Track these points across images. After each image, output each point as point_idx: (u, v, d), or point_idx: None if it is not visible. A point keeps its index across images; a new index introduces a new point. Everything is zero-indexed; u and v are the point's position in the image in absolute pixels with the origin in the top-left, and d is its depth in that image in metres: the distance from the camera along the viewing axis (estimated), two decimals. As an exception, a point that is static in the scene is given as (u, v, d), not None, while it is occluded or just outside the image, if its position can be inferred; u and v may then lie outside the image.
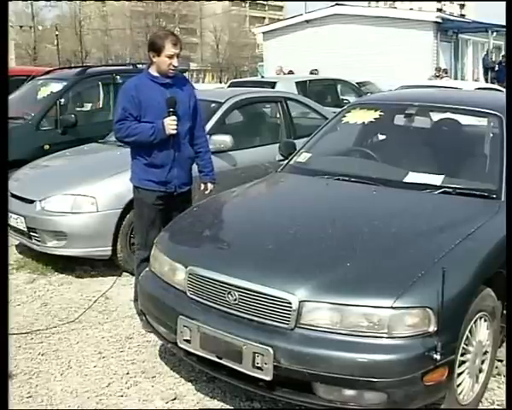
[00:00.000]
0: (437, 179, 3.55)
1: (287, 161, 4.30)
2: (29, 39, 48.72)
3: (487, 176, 3.58)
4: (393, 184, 3.62)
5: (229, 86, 12.04)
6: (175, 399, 3.15)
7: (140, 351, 3.66)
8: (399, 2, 56.14)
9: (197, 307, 2.92)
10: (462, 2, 71.66)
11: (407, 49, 19.59)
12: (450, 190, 3.45)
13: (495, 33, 21.16)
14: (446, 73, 18.57)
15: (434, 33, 20.48)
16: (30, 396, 3.19)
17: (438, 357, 2.48)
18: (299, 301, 2.62)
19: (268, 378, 2.64)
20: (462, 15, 49.23)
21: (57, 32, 45.53)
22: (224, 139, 5.32)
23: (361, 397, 2.57)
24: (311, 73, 17.22)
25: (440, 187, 3.48)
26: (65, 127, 6.94)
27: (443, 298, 2.48)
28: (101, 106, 8.14)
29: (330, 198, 3.68)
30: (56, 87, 7.35)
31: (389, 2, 58.30)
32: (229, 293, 2.79)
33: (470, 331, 2.82)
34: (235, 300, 2.77)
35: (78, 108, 7.76)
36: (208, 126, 5.37)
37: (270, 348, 2.60)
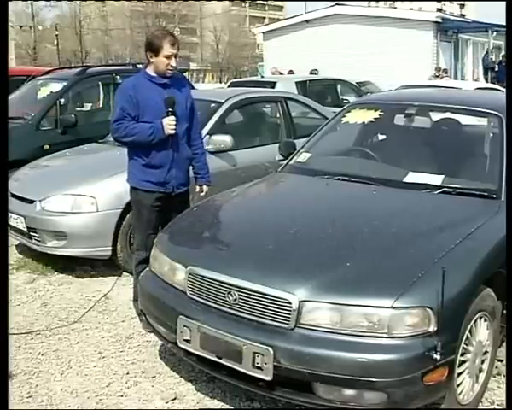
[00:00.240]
0: (437, 179, 3.55)
1: (287, 160, 4.30)
2: (29, 39, 48.72)
3: (487, 176, 3.58)
4: (393, 183, 3.62)
5: (229, 86, 12.05)
6: (175, 399, 3.15)
7: (140, 351, 3.66)
8: (399, 2, 56.13)
9: (197, 307, 2.92)
10: (462, 2, 71.66)
11: (407, 49, 19.59)
12: (450, 189, 3.45)
13: (495, 33, 21.15)
14: (446, 72, 18.57)
15: (434, 33, 20.47)
16: (30, 396, 3.19)
17: (438, 357, 2.48)
18: (299, 301, 2.62)
19: (268, 378, 2.64)
20: (462, 15, 49.23)
21: (57, 32, 45.54)
22: (224, 139, 5.32)
23: (361, 397, 2.57)
24: (311, 73, 17.24)
25: (440, 187, 3.48)
26: (65, 127, 6.94)
27: (443, 298, 2.48)
28: (101, 106, 8.14)
29: (330, 198, 3.68)
30: (56, 87, 7.36)
31: (389, 2, 58.28)
32: (229, 293, 2.79)
33: (470, 331, 2.82)
34: (235, 300, 2.77)
35: (78, 108, 7.77)
36: (208, 126, 5.39)
37: (270, 348, 2.60)
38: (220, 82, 44.69)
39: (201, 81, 50.33)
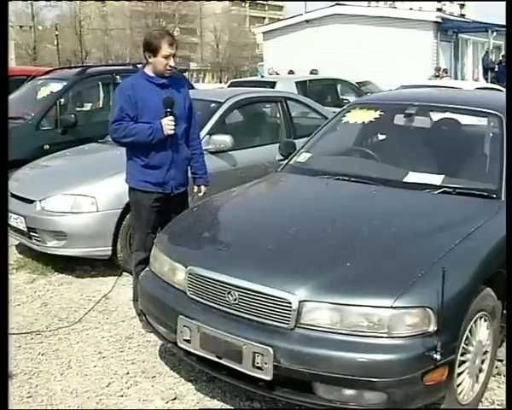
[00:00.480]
0: (437, 179, 3.55)
1: (287, 160, 4.30)
2: (29, 39, 48.73)
3: (487, 176, 3.58)
4: (393, 183, 3.62)
5: (229, 86, 12.05)
6: (175, 399, 3.15)
7: (140, 351, 3.66)
8: (399, 2, 56.14)
9: (197, 306, 2.92)
10: (461, 2, 71.65)
11: (407, 49, 19.59)
12: (450, 189, 3.45)
13: (495, 33, 21.17)
14: (446, 72, 18.58)
15: (434, 33, 20.48)
16: (30, 396, 3.19)
17: (438, 357, 2.48)
18: (299, 301, 2.62)
19: (268, 378, 2.64)
20: (462, 15, 49.24)
21: (57, 32, 45.56)
22: (224, 139, 5.32)
23: (361, 397, 2.57)
24: (311, 73, 17.26)
25: (440, 187, 3.48)
26: (65, 127, 6.94)
27: (443, 298, 2.48)
28: (101, 106, 8.14)
29: (330, 198, 3.68)
30: (56, 87, 7.35)
31: (389, 2, 58.30)
32: (229, 293, 2.79)
33: (470, 331, 2.82)
34: (235, 300, 2.77)
35: (78, 108, 7.77)
36: (208, 126, 5.39)
37: (270, 348, 2.60)
38: (220, 82, 44.73)
39: (201, 81, 50.38)
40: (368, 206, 3.49)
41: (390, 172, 3.77)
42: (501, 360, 3.33)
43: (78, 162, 5.74)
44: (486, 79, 19.92)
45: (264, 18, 66.68)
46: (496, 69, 19.89)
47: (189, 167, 4.02)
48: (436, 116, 4.36)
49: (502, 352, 3.33)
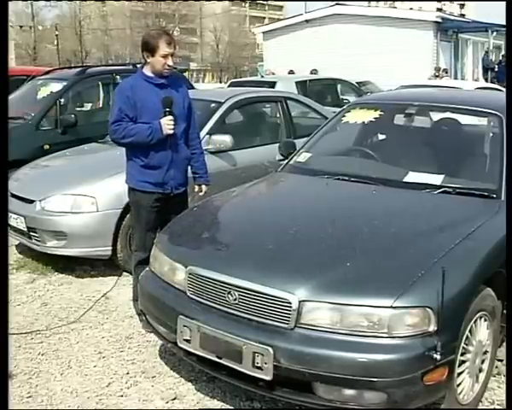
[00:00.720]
0: (437, 179, 3.55)
1: (287, 160, 4.30)
2: (29, 39, 48.74)
3: (487, 175, 3.58)
4: (393, 183, 3.62)
5: (229, 86, 12.05)
6: (175, 399, 3.15)
7: (140, 351, 3.66)
8: (399, 1, 56.13)
9: (197, 306, 2.92)
10: (461, 2, 71.63)
11: (407, 48, 19.60)
12: (450, 189, 3.45)
13: (495, 33, 21.17)
14: (446, 72, 18.58)
15: (434, 33, 20.48)
16: (30, 396, 3.19)
17: (438, 357, 2.48)
18: (299, 301, 2.62)
19: (268, 378, 2.64)
20: (462, 15, 49.24)
21: (57, 32, 45.56)
22: (224, 139, 5.32)
23: (361, 397, 2.57)
24: (311, 73, 17.28)
25: (440, 187, 3.48)
26: (65, 127, 6.94)
27: (443, 298, 2.48)
28: (101, 106, 8.13)
29: (330, 198, 3.68)
30: (56, 87, 7.35)
31: (389, 2, 58.27)
32: (229, 293, 2.79)
33: (470, 331, 2.82)
34: (235, 300, 2.77)
35: (78, 108, 7.76)
36: (208, 126, 5.39)
37: (270, 348, 2.60)
38: (220, 82, 44.73)
39: (201, 81, 50.40)
40: (368, 206, 3.49)
41: (390, 172, 3.77)
42: (501, 360, 3.33)
43: (78, 162, 5.74)
44: (486, 79, 19.92)
45: (264, 18, 66.68)
46: (496, 69, 19.89)
47: (189, 167, 4.02)
48: (436, 116, 4.36)
49: (502, 352, 3.33)
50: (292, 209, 3.55)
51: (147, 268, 3.45)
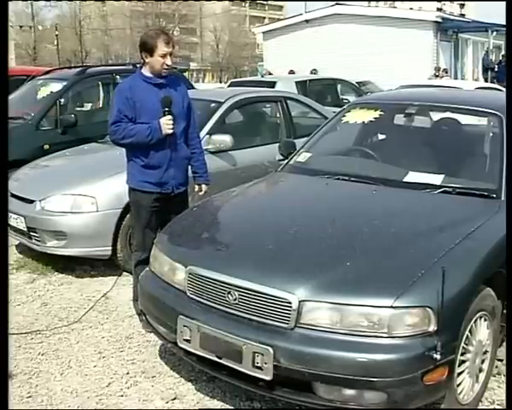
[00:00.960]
0: (437, 179, 3.55)
1: (287, 160, 4.30)
2: (29, 39, 48.73)
3: (487, 175, 3.58)
4: (393, 183, 3.62)
5: (229, 86, 12.05)
6: (175, 399, 3.15)
7: (140, 351, 3.66)
8: (399, 1, 56.14)
9: (197, 306, 2.92)
10: (461, 2, 71.63)
11: (407, 48, 19.60)
12: (450, 189, 3.45)
13: (495, 33, 21.17)
14: (446, 72, 18.58)
15: (434, 33, 20.49)
16: (30, 396, 3.19)
17: (438, 357, 2.48)
18: (299, 301, 2.62)
19: (268, 378, 2.64)
20: (462, 15, 49.26)
21: (57, 32, 45.56)
22: (224, 139, 5.32)
23: (361, 397, 2.57)
24: (311, 73, 17.29)
25: (440, 187, 3.48)
26: (65, 127, 6.94)
27: (443, 298, 2.48)
28: (101, 106, 8.13)
29: (330, 198, 3.68)
30: (56, 87, 7.35)
31: (389, 2, 58.28)
32: (229, 293, 2.79)
33: (470, 331, 2.82)
34: (235, 299, 2.77)
35: (78, 108, 7.76)
36: (208, 126, 5.39)
37: (270, 348, 2.60)
38: (220, 82, 44.73)
39: (201, 81, 50.40)
40: (368, 206, 3.48)
41: (390, 172, 3.77)
42: (501, 360, 3.33)
43: (78, 162, 5.74)
44: (486, 79, 19.92)
45: (264, 18, 66.68)
46: (496, 69, 19.89)
47: (189, 167, 4.02)
48: (436, 116, 4.36)
49: (502, 352, 3.33)
50: (292, 209, 3.55)
51: (147, 268, 3.45)
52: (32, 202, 4.97)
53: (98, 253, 4.85)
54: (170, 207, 3.85)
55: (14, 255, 5.36)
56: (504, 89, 5.99)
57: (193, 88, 8.33)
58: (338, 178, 3.76)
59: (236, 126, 5.99)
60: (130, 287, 4.20)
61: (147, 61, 3.74)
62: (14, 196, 5.05)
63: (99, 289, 4.65)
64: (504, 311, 3.12)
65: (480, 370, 3.00)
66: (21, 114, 6.97)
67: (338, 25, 21.69)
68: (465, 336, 2.77)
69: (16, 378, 3.34)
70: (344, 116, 4.44)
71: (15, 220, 5.00)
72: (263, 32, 25.72)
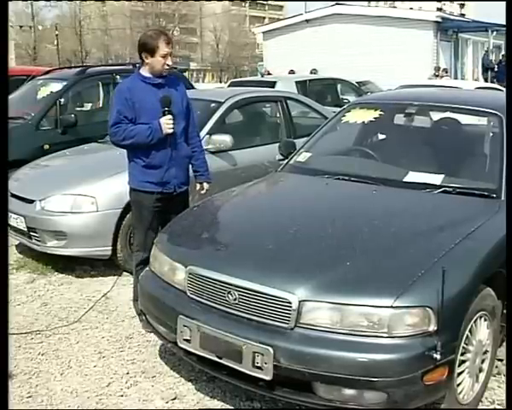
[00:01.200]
0: (437, 179, 3.55)
1: (287, 160, 4.30)
2: (29, 39, 48.73)
3: (487, 175, 3.58)
4: (393, 183, 3.62)
5: (229, 86, 12.05)
6: (175, 399, 3.15)
7: (140, 351, 3.66)
8: (399, 1, 56.14)
9: (197, 306, 2.92)
10: (462, 2, 71.61)
11: (407, 48, 19.61)
12: (450, 189, 3.45)
13: (495, 33, 21.19)
14: (446, 72, 18.58)
15: (434, 33, 20.50)
16: (30, 396, 3.19)
17: (438, 356, 2.48)
18: (299, 301, 2.62)
19: (268, 378, 2.64)
20: (462, 15, 49.27)
21: (57, 32, 45.55)
22: (224, 139, 5.32)
23: (361, 397, 2.57)
24: (311, 73, 17.30)
25: (440, 186, 3.48)
26: (65, 127, 6.94)
27: (443, 297, 2.48)
28: (101, 106, 8.13)
29: (330, 198, 3.68)
30: (56, 87, 7.35)
31: (389, 2, 58.26)
32: (229, 293, 2.79)
33: (470, 331, 2.82)
34: (235, 299, 2.77)
35: (78, 108, 7.76)
36: (208, 126, 5.39)
37: (270, 348, 2.60)
38: (220, 82, 44.75)
39: (201, 81, 50.39)
40: (368, 206, 3.48)
41: (390, 172, 3.77)
42: (501, 360, 3.33)
43: (77, 162, 5.74)
44: (486, 79, 19.92)
45: (264, 18, 66.67)
46: (496, 69, 19.89)
47: (190, 166, 4.02)
48: (436, 116, 4.36)
49: (502, 351, 3.33)
50: (292, 209, 3.55)
51: (147, 268, 3.45)
52: (32, 201, 4.97)
53: (98, 253, 4.85)
54: (171, 206, 3.85)
55: (14, 255, 5.35)
56: (504, 89, 5.99)
57: (193, 88, 8.33)
58: (338, 178, 3.76)
59: (236, 126, 5.99)
60: (131, 287, 4.20)
61: (147, 61, 3.74)
62: (14, 196, 5.05)
63: (99, 289, 4.65)
64: (504, 311, 3.12)
65: (480, 370, 3.00)
66: (21, 114, 6.97)
67: (338, 25, 21.70)
68: (465, 335, 2.77)
69: (16, 378, 3.34)
70: (344, 116, 4.44)
71: (15, 220, 5.00)
72: (263, 32, 25.73)
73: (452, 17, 24.88)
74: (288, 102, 6.35)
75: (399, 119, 4.38)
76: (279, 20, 33.25)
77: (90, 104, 8.29)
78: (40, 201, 4.90)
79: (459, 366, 2.77)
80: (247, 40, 56.63)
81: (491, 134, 3.85)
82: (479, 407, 3.04)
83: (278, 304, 2.66)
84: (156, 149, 3.76)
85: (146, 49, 3.72)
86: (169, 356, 3.53)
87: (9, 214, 4.92)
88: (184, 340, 2.90)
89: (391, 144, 4.38)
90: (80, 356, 3.60)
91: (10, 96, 6.57)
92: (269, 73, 18.34)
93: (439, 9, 44.46)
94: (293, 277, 2.73)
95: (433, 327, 2.53)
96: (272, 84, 10.64)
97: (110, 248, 4.82)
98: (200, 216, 3.67)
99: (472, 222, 3.07)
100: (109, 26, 55.05)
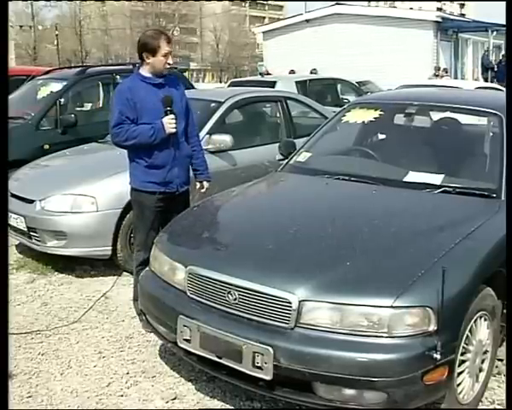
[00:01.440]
0: (437, 179, 3.55)
1: (287, 160, 4.30)
2: (29, 39, 48.73)
3: (487, 175, 3.58)
4: (393, 183, 3.62)
5: (229, 86, 12.04)
6: (175, 399, 3.15)
7: (140, 351, 3.66)
8: (399, 1, 56.14)
9: (197, 306, 2.92)
10: (462, 2, 71.62)
11: (407, 48, 19.62)
12: (450, 189, 3.45)
13: (495, 33, 21.18)
14: (446, 72, 18.58)
15: (434, 33, 20.50)
16: (30, 396, 3.19)
17: (438, 356, 2.48)
18: (299, 301, 2.62)
19: (268, 378, 2.64)
20: (462, 15, 49.32)
21: (57, 32, 45.54)
22: (224, 139, 5.32)
23: (361, 397, 2.57)
24: (311, 73, 17.30)
25: (440, 186, 3.48)
26: (65, 127, 6.94)
27: (443, 297, 2.48)
28: (101, 106, 8.13)
29: (330, 198, 3.68)
30: (56, 87, 7.35)
31: (389, 2, 58.26)
32: (229, 292, 2.79)
33: (470, 331, 2.82)
34: (235, 299, 2.77)
35: (78, 108, 7.76)
36: (208, 126, 5.39)
37: (270, 348, 2.60)
38: (220, 82, 44.76)
39: (201, 81, 50.37)
40: (368, 205, 3.48)
41: (390, 172, 3.77)
42: (501, 360, 3.33)
43: (77, 162, 5.74)
44: (486, 79, 19.92)
45: (264, 18, 66.67)
46: (495, 69, 19.89)
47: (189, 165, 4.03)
48: (436, 116, 4.36)
49: (502, 351, 3.33)
50: (292, 209, 3.55)
51: (147, 268, 3.45)
52: (32, 201, 4.97)
53: (98, 253, 4.85)
54: (173, 206, 3.84)
55: (14, 255, 5.35)
56: (504, 88, 5.99)
57: (193, 88, 8.33)
58: (338, 178, 3.76)
59: (236, 126, 5.99)
60: (131, 287, 4.20)
61: (148, 61, 3.74)
62: (14, 195, 5.05)
63: (99, 289, 4.65)
64: (504, 311, 3.12)
65: (480, 370, 3.00)
66: (21, 114, 6.97)
67: (338, 25, 21.69)
68: (465, 335, 2.77)
69: (16, 378, 3.34)
70: (344, 116, 4.44)
71: (15, 220, 5.00)
72: (263, 32, 25.73)
73: (452, 17, 24.89)
74: (288, 102, 6.35)
75: (399, 119, 4.38)
76: (279, 20, 33.25)
77: (90, 104, 8.29)
78: (40, 201, 4.90)
79: (459, 365, 2.77)
80: (247, 40, 56.64)
81: (491, 134, 3.85)
82: (479, 407, 3.04)
83: (278, 304, 2.66)
84: (159, 149, 3.76)
85: (147, 49, 3.72)
86: (169, 356, 3.53)
87: (9, 214, 4.92)
88: (184, 340, 2.90)
89: (391, 144, 4.38)
90: (80, 356, 3.60)
91: (10, 96, 6.57)
92: (268, 73, 18.32)
93: (439, 9, 44.49)
94: (293, 277, 2.73)
95: (433, 327, 2.53)
96: (272, 84, 10.64)
97: (110, 248, 4.82)
98: (201, 216, 3.67)
99: (472, 222, 3.07)
100: (109, 26, 55.04)
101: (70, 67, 10.25)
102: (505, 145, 3.54)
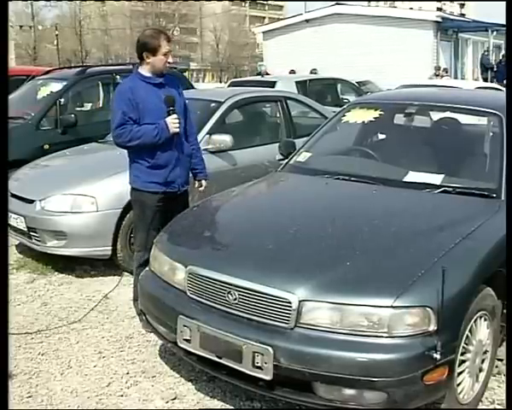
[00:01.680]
0: (437, 179, 3.55)
1: (286, 160, 4.30)
2: (29, 39, 48.73)
3: (487, 175, 3.58)
4: (393, 183, 3.62)
5: (229, 86, 12.04)
6: (175, 398, 3.15)
7: (140, 351, 3.66)
8: (399, 1, 56.13)
9: (197, 306, 2.92)
10: (462, 2, 71.60)
11: (407, 48, 19.62)
12: (450, 189, 3.45)
13: (495, 32, 21.17)
14: (446, 72, 18.58)
15: (434, 33, 20.50)
16: (30, 396, 3.19)
17: (438, 356, 2.48)
18: (299, 301, 2.62)
19: (268, 378, 2.64)
20: (462, 15, 49.30)
21: (57, 32, 45.55)
22: (224, 139, 5.32)
23: (361, 397, 2.57)
24: (311, 73, 17.29)
25: (440, 186, 3.48)
26: (65, 127, 6.94)
27: (443, 297, 2.48)
28: (101, 106, 8.13)
29: (330, 198, 3.68)
30: (56, 87, 7.35)
31: (389, 2, 58.25)
32: (229, 292, 2.79)
33: (470, 331, 2.82)
34: (235, 299, 2.77)
35: (78, 108, 7.76)
36: (208, 126, 5.39)
37: (269, 348, 2.60)
38: (220, 82, 44.75)
39: (201, 81, 50.37)
40: (368, 205, 3.48)
41: (390, 172, 3.77)
42: (501, 360, 3.33)
43: (77, 162, 5.74)
44: (485, 79, 19.91)
45: (264, 18, 66.66)
46: (495, 69, 19.88)
47: None
48: (436, 116, 4.36)
49: (502, 351, 3.33)
50: (292, 209, 3.55)
51: (147, 268, 3.45)
52: (32, 201, 4.97)
53: (98, 253, 4.85)
54: (173, 206, 3.84)
55: (14, 255, 5.35)
56: (504, 88, 5.99)
57: (193, 88, 8.33)
58: (338, 178, 3.76)
59: (236, 126, 5.99)
60: (131, 287, 4.20)
61: (148, 61, 3.74)
62: (14, 196, 5.05)
63: (99, 289, 4.65)
64: (504, 311, 3.12)
65: (480, 369, 3.00)
66: (21, 114, 6.98)
67: (338, 25, 21.69)
68: (465, 335, 2.77)
69: (16, 378, 3.34)
70: (344, 116, 4.44)
71: (15, 220, 5.00)
72: (263, 32, 25.72)
73: (452, 17, 24.88)
74: (288, 102, 6.35)
75: (399, 119, 4.38)
76: (279, 20, 33.23)
77: (90, 104, 8.29)
78: (40, 201, 4.90)
79: (459, 365, 2.77)
80: (247, 40, 56.65)
81: (491, 134, 3.85)
82: (479, 407, 3.04)
83: (278, 304, 2.66)
84: (162, 149, 3.75)
85: (147, 48, 3.71)
86: (169, 356, 3.53)
87: (9, 214, 4.92)
88: (184, 340, 2.90)
89: (391, 144, 4.38)
90: (80, 356, 3.60)
91: (10, 96, 6.57)
92: (267, 73, 18.31)
93: (439, 9, 44.47)
94: (293, 277, 2.73)
95: (433, 327, 2.53)
96: (272, 84, 10.64)
97: (110, 248, 4.82)
98: (200, 216, 3.67)
99: (472, 222, 3.07)
100: (109, 26, 55.04)
101: (70, 67, 10.25)
102: (505, 145, 3.54)
